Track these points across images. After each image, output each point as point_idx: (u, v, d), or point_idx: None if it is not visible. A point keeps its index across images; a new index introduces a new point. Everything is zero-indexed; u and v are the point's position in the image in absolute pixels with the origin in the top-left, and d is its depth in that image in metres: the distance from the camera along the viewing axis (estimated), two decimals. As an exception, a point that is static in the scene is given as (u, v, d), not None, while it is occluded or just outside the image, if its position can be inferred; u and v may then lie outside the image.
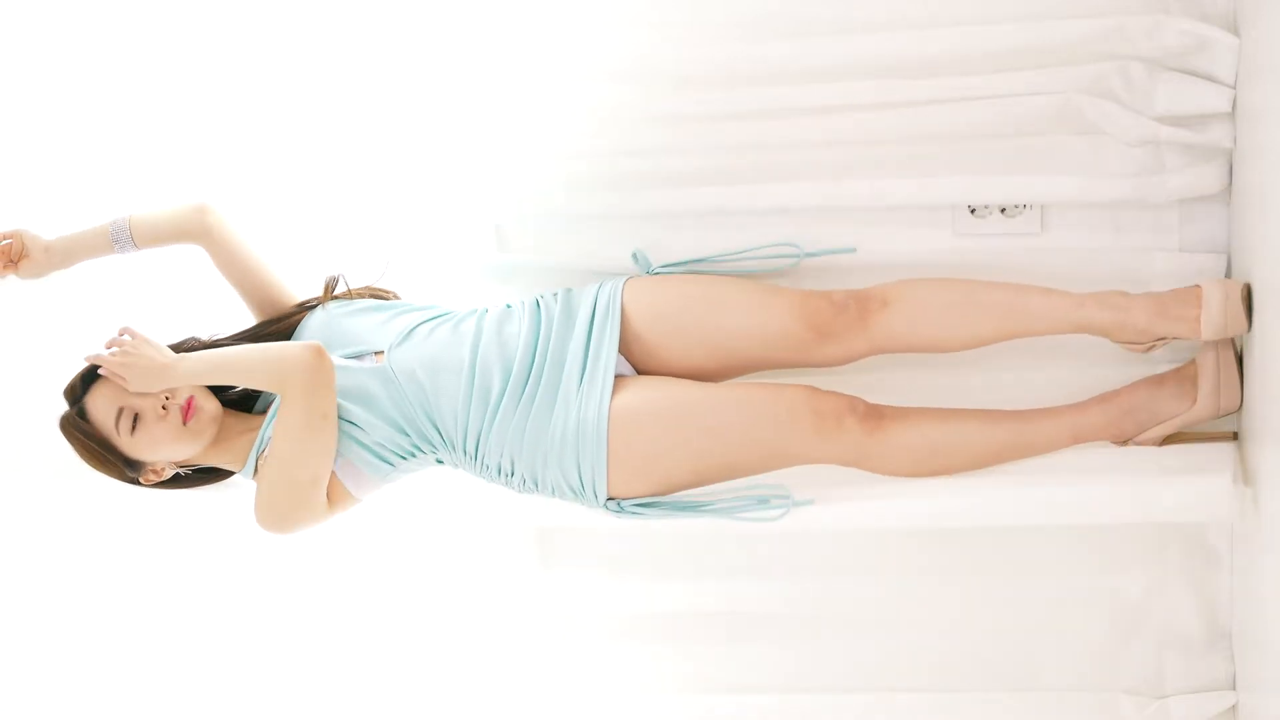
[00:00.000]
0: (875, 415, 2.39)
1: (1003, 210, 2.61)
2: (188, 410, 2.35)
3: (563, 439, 2.37)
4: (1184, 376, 2.41)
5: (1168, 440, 2.45)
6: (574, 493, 2.40)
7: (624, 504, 2.40)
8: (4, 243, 2.53)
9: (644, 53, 2.57)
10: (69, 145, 2.69)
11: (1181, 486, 2.33)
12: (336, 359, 2.41)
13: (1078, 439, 2.41)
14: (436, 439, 2.41)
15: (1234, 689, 2.53)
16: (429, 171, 2.66)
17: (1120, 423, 2.41)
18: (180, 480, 2.47)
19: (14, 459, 2.62)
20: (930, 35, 2.50)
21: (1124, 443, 2.43)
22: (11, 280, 2.56)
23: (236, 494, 2.54)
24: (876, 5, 2.52)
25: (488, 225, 2.69)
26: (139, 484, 2.42)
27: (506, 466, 2.41)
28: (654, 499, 2.39)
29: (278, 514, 2.36)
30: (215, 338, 2.50)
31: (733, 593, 2.65)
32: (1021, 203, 2.58)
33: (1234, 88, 2.45)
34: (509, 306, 2.49)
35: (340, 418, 2.37)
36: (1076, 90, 2.50)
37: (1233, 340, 2.41)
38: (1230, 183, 2.50)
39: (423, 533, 2.70)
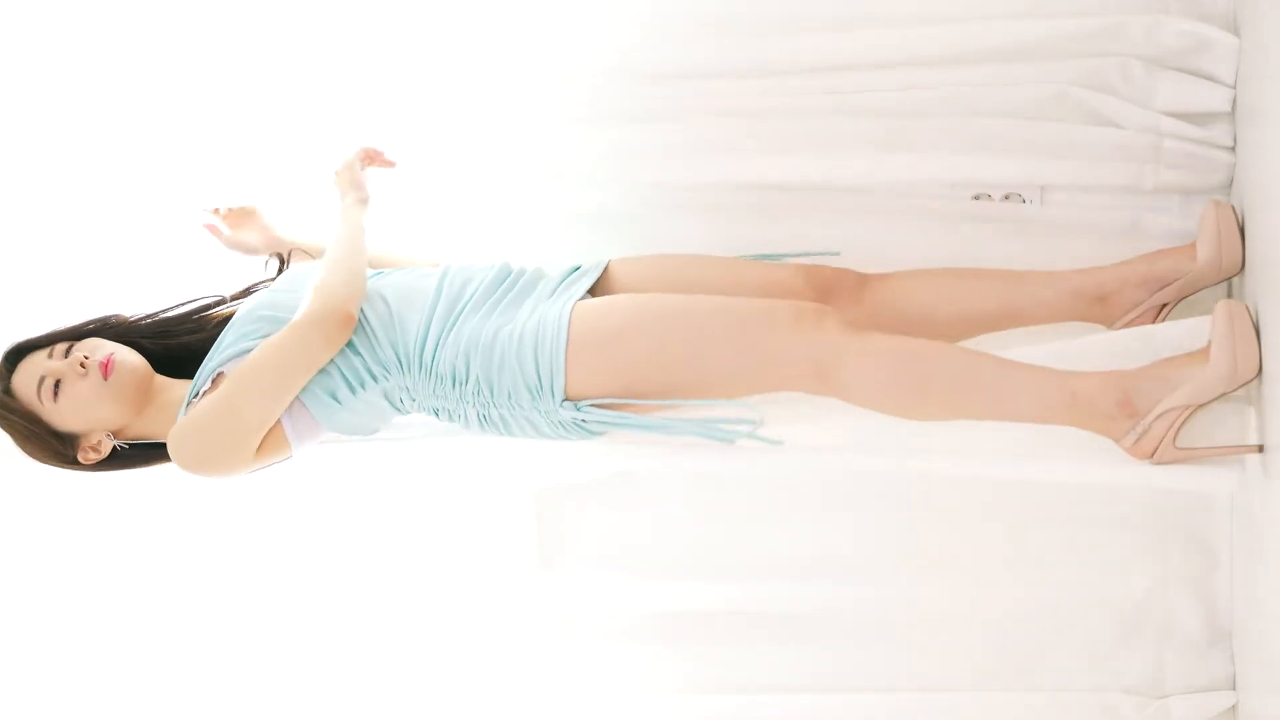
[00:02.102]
0: (858, 324, 2.31)
1: (1002, 210, 2.63)
2: (107, 365, 2.30)
3: (522, 336, 2.30)
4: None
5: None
6: (531, 394, 2.30)
7: (582, 405, 2.30)
8: (236, 207, 2.55)
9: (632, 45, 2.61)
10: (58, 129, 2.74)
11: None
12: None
13: (1075, 401, 2.26)
14: (392, 361, 2.33)
15: (1234, 689, 2.52)
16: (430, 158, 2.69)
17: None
18: (122, 460, 2.39)
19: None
20: (927, 33, 2.52)
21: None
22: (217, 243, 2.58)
23: (231, 493, 2.55)
24: (876, 3, 2.54)
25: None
26: (80, 466, 2.36)
27: (461, 370, 2.31)
28: (615, 401, 2.31)
29: (202, 446, 2.26)
30: (137, 317, 2.48)
31: (733, 593, 2.64)
32: (1019, 192, 2.59)
33: (1234, 88, 2.45)
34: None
35: None
36: (1075, 87, 2.51)
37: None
38: (1230, 184, 2.50)
39: (422, 532, 2.70)
